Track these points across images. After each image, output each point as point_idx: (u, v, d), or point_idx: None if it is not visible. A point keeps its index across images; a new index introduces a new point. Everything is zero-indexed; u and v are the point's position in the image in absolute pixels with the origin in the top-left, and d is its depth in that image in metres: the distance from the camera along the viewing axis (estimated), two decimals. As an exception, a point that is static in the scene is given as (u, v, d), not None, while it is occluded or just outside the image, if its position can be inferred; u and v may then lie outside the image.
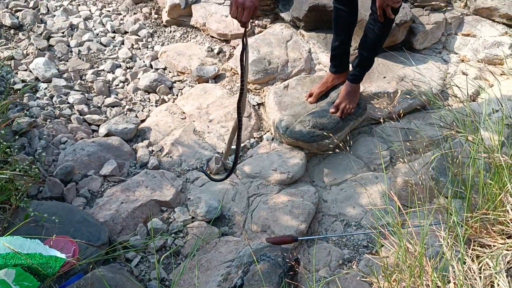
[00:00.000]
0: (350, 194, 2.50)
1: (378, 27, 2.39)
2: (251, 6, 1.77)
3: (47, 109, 2.79)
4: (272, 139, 2.76)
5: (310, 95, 2.73)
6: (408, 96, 2.83)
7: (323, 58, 3.10)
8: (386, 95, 2.83)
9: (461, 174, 1.96)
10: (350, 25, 2.56)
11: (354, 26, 2.58)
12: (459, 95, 2.82)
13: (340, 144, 2.50)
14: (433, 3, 3.15)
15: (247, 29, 1.90)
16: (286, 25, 3.35)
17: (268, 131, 2.85)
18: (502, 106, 2.50)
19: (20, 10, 3.58)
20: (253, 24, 3.44)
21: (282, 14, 3.33)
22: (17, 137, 2.45)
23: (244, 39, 1.90)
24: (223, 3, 3.56)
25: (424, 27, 3.07)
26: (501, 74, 2.98)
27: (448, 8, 3.23)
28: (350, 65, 2.69)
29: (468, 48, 3.13)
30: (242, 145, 2.69)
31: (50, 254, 1.62)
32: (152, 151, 2.66)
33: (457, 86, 2.78)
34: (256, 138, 2.80)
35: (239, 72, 2.08)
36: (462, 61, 3.11)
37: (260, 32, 3.39)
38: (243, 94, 2.01)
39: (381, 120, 2.60)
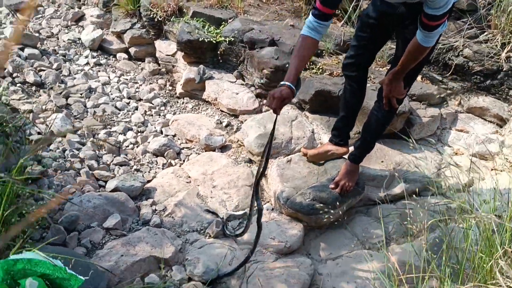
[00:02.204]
0: (345, 270, 2.54)
1: (382, 114, 2.60)
2: (279, 96, 2.16)
3: (59, 161, 2.90)
4: (272, 209, 2.84)
5: (305, 154, 2.99)
6: (404, 181, 2.96)
7: (325, 139, 3.27)
8: (383, 178, 2.97)
9: (454, 249, 2.04)
10: (357, 103, 2.76)
11: (360, 105, 2.78)
12: (452, 184, 2.96)
13: (339, 220, 2.59)
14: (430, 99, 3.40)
15: (277, 116, 2.29)
16: (292, 106, 3.57)
17: (269, 201, 2.94)
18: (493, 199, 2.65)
19: (44, 70, 3.81)
20: (261, 103, 3.67)
21: (289, 96, 3.56)
22: (29, 181, 2.52)
23: (274, 124, 2.33)
24: (235, 81, 3.82)
25: (421, 119, 3.29)
26: (492, 169, 3.15)
27: (444, 104, 3.48)
28: (352, 147, 2.86)
29: (462, 143, 3.32)
30: (241, 212, 2.77)
31: (71, 272, 1.67)
32: (155, 210, 2.74)
33: (451, 176, 2.95)
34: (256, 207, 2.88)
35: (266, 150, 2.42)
36: (456, 154, 3.29)
37: (267, 110, 3.60)
38: (262, 172, 2.40)
39: (378, 202, 2.74)
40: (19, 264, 1.60)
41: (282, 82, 2.20)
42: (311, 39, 2.24)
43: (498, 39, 3.24)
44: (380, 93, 2.59)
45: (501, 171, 3.12)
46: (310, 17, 2.24)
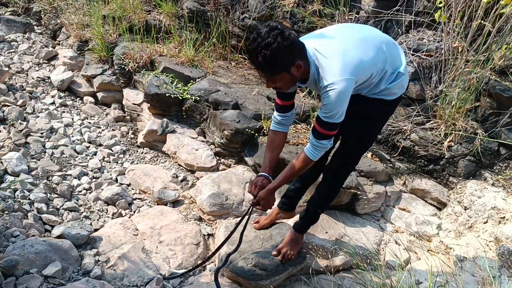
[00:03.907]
0: (278, 339, 2.59)
1: (327, 190, 2.76)
2: (260, 185, 2.54)
3: (7, 201, 2.89)
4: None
5: (257, 222, 3.06)
6: (345, 254, 3.08)
7: (276, 203, 3.40)
8: (325, 249, 3.09)
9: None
10: (310, 179, 2.92)
11: (314, 180, 2.93)
12: (390, 262, 3.11)
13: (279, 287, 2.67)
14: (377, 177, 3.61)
15: (252, 208, 2.65)
16: (248, 168, 3.70)
17: (213, 262, 2.99)
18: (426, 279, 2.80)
19: (8, 106, 3.85)
20: (219, 161, 3.79)
21: (246, 158, 3.70)
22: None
23: (249, 215, 2.69)
24: (196, 137, 3.94)
25: (366, 195, 3.47)
26: (428, 250, 3.32)
27: (389, 183, 3.69)
28: (298, 216, 2.99)
29: (403, 221, 3.50)
30: (184, 270, 2.81)
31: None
32: (98, 260, 2.74)
33: (389, 253, 3.11)
34: (200, 268, 2.93)
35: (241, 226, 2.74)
36: (397, 231, 3.46)
37: (224, 169, 3.72)
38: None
39: (318, 272, 2.84)
40: None
41: (260, 173, 2.59)
42: (279, 133, 2.59)
43: (442, 128, 3.51)
44: (325, 168, 2.76)
45: (437, 252, 3.29)
46: (275, 112, 2.58)
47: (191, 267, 2.80)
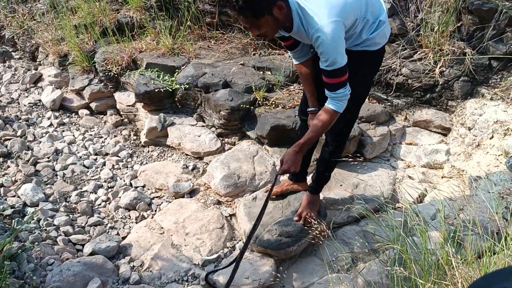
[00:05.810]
0: (317, 297, 2.73)
1: (332, 148, 2.81)
2: (281, 159, 2.59)
3: (35, 233, 3.01)
4: (244, 248, 3.01)
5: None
6: (363, 201, 3.17)
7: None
8: (343, 201, 3.18)
9: (409, 272, 2.25)
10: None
11: (315, 145, 2.96)
12: (407, 198, 3.19)
13: (307, 248, 2.78)
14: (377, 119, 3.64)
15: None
16: (252, 141, 3.76)
17: (240, 240, 3.11)
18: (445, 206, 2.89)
19: (9, 139, 3.92)
20: (223, 142, 3.85)
21: (248, 133, 3.76)
22: (8, 262, 2.63)
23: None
24: (196, 124, 3.99)
25: (371, 139, 3.52)
26: (442, 177, 3.39)
27: (391, 121, 3.73)
28: (309, 177, 3.06)
29: (412, 155, 3.57)
30: (215, 255, 2.94)
31: None
32: (133, 266, 2.87)
33: (405, 190, 3.19)
34: (229, 248, 3.05)
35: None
36: (408, 166, 3.53)
37: (230, 148, 3.79)
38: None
39: (340, 225, 2.94)
40: None
41: (309, 109, 2.67)
42: (303, 63, 2.60)
43: (430, 56, 3.51)
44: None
45: (450, 178, 3.36)
46: (288, 52, 2.68)
47: (231, 260, 2.68)
